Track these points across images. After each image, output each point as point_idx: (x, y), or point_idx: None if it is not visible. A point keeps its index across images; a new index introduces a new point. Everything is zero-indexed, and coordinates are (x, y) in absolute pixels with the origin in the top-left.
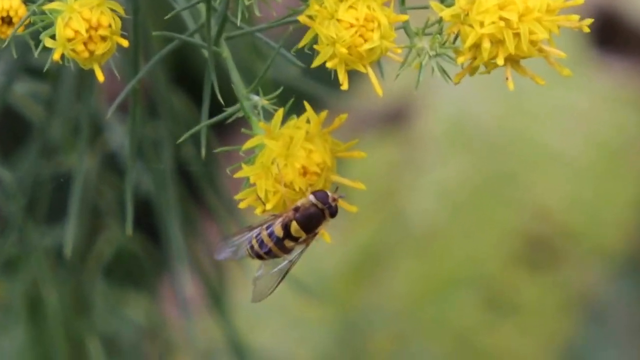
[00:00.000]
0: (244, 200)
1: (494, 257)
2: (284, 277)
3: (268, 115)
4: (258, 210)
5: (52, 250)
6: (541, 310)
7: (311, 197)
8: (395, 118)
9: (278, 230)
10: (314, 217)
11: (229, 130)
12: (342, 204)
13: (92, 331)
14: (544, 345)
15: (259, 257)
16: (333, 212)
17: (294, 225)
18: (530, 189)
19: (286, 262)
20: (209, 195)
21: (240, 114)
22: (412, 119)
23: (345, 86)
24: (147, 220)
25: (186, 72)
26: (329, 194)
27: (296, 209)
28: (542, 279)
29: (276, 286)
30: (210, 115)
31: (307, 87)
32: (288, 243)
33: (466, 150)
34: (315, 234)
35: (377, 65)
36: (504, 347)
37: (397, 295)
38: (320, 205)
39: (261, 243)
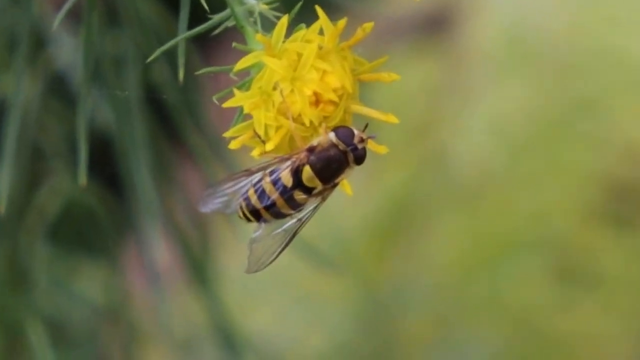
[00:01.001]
0: (236, 138)
1: (567, 213)
2: (290, 240)
3: (268, 25)
4: (255, 152)
5: None
6: (630, 282)
7: (331, 135)
8: (433, 26)
9: (286, 177)
10: (334, 162)
11: (215, 45)
12: (371, 145)
13: (33, 312)
14: (632, 326)
15: (256, 215)
16: (359, 157)
17: (307, 171)
18: (615, 121)
19: (294, 220)
20: (189, 132)
21: (230, 23)
22: (456, 28)
23: None
24: (106, 164)
25: None
26: (355, 131)
27: (310, 150)
28: (631, 240)
29: (280, 252)
30: (190, 25)
31: None
32: (298, 195)
33: (529, 70)
34: (335, 184)
35: None
36: (581, 332)
37: (439, 265)
38: (342, 146)
39: (261, 194)
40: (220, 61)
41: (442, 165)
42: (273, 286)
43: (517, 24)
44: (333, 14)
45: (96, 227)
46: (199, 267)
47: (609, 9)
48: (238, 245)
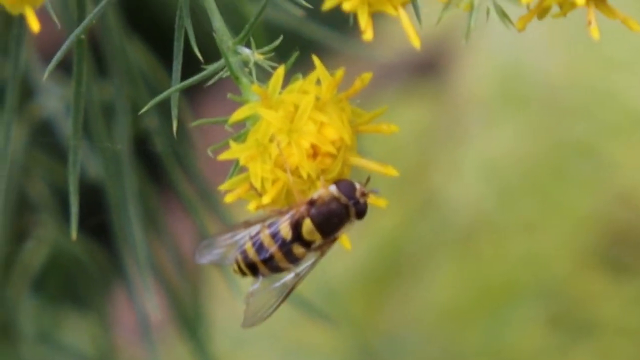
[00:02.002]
0: (231, 191)
1: (563, 257)
2: (288, 295)
3: (263, 75)
4: (252, 206)
5: None
6: (625, 329)
7: (333, 189)
8: (426, 69)
9: (285, 230)
10: (335, 215)
11: (208, 96)
12: (371, 198)
13: None
14: None
15: (253, 269)
16: (361, 211)
17: (308, 224)
18: (611, 164)
19: (291, 274)
20: (179, 183)
21: (224, 74)
22: (448, 71)
23: (369, 36)
24: (93, 214)
25: (148, 16)
26: (357, 185)
27: (311, 203)
28: (627, 286)
29: (277, 307)
30: (184, 76)
31: (314, 35)
32: (297, 249)
33: (522, 112)
34: (335, 238)
35: (411, 4)
36: None
37: (433, 312)
38: (344, 200)
39: (260, 247)
40: (209, 110)
41: (435, 209)
42: (264, 337)
43: (511, 65)
44: (325, 57)
45: (84, 278)
46: (189, 319)
47: (604, 50)
48: (229, 296)
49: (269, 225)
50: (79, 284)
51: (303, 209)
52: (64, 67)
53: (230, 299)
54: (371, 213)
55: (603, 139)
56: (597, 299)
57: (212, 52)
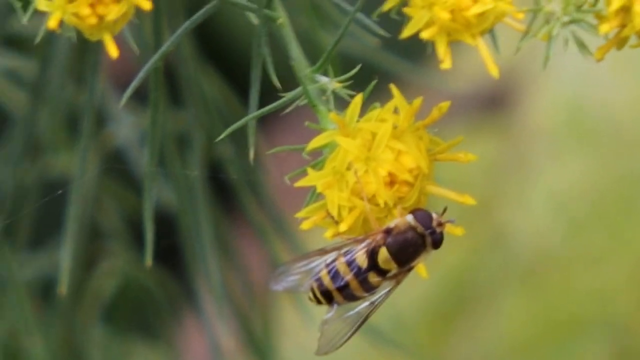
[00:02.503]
0: (308, 218)
1: (629, 291)
2: (362, 323)
3: (341, 104)
4: (329, 233)
5: (37, 284)
6: None
7: (409, 218)
8: (494, 102)
9: (361, 258)
10: (411, 245)
11: (280, 127)
12: (449, 229)
13: None
14: None
15: (328, 296)
16: (437, 241)
17: (384, 253)
18: None
19: (366, 303)
20: (253, 212)
21: (302, 102)
22: (515, 105)
23: (447, 65)
24: (165, 244)
25: (224, 46)
26: (434, 215)
27: (387, 232)
28: None
29: (351, 335)
30: (260, 105)
31: (388, 64)
32: (373, 277)
33: (590, 146)
34: (411, 268)
35: (489, 35)
36: None
37: (499, 345)
38: (420, 229)
39: (335, 275)
40: (282, 141)
41: (502, 243)
42: None
43: (577, 98)
44: (398, 87)
45: (153, 307)
46: (259, 347)
47: None
48: (296, 326)
49: (345, 254)
50: (149, 314)
51: (379, 237)
52: (137, 97)
53: (297, 330)
54: None
55: None
56: None
57: (286, 82)
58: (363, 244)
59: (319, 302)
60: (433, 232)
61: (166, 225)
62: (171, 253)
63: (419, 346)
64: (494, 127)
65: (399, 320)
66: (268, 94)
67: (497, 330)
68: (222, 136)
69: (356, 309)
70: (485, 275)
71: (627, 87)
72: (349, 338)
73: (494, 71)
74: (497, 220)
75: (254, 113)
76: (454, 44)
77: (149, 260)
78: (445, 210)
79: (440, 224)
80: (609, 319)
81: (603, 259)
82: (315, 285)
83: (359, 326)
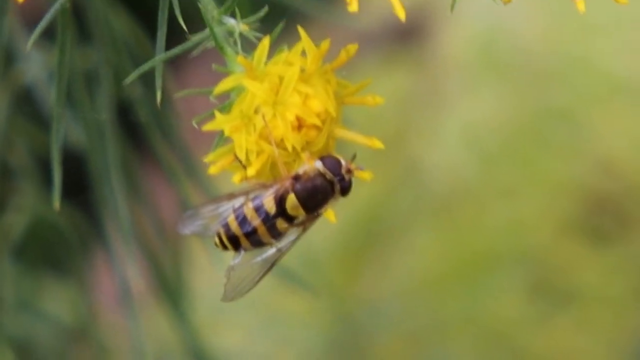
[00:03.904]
0: (215, 162)
1: (543, 225)
2: (269, 270)
3: (248, 46)
4: (236, 178)
5: None
6: (605, 297)
7: (318, 164)
8: (406, 36)
9: (269, 204)
10: (320, 191)
11: (192, 68)
12: (358, 174)
13: (0, 333)
14: (608, 343)
15: (235, 242)
16: (346, 188)
17: (292, 200)
18: (591, 131)
19: (273, 250)
20: (162, 154)
21: (209, 44)
22: (428, 38)
23: (354, 7)
24: (74, 182)
25: None
26: (342, 161)
27: (296, 178)
28: (606, 253)
29: (258, 281)
30: (168, 47)
31: (297, 4)
32: (281, 224)
33: (503, 79)
34: (318, 214)
35: None
36: (557, 348)
37: (412, 280)
38: (329, 176)
39: (242, 220)
40: (194, 82)
41: (415, 177)
42: (243, 305)
43: (491, 32)
44: (307, 26)
45: (64, 246)
46: (170, 286)
47: (584, 17)
48: (209, 265)
49: (253, 199)
50: (59, 252)
51: (288, 183)
52: (47, 35)
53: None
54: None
55: (583, 106)
56: (577, 267)
57: (197, 23)
58: (271, 190)
59: (225, 247)
60: (342, 179)
61: (76, 163)
62: (81, 191)
63: (331, 284)
64: (407, 60)
65: (311, 258)
66: (178, 36)
67: (410, 265)
68: (130, 78)
69: (263, 255)
70: (398, 210)
71: (541, 19)
72: (255, 284)
73: (400, 13)
74: (410, 154)
75: (161, 55)
76: None
77: (57, 202)
78: (354, 156)
79: (349, 171)
80: (523, 252)
81: (517, 192)
82: (222, 231)
83: (266, 273)
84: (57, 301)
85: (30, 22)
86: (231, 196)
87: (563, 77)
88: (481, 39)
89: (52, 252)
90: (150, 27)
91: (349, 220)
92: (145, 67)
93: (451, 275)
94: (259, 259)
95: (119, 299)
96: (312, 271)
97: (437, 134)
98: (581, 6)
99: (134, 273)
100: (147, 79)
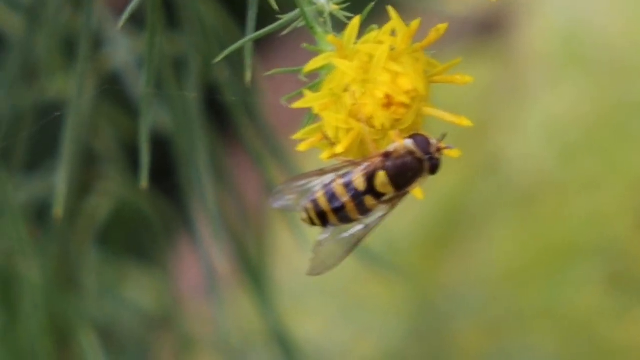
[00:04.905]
0: (304, 140)
1: (622, 219)
2: (355, 246)
3: (338, 26)
4: (325, 155)
5: (32, 208)
6: None
7: (408, 142)
8: (487, 29)
9: (359, 181)
10: (409, 169)
11: (278, 52)
12: (447, 152)
13: (84, 318)
14: None
15: (322, 218)
16: (435, 166)
17: (381, 177)
18: None
19: (361, 226)
20: (249, 135)
21: (299, 24)
22: (510, 31)
23: None
24: (159, 169)
25: None
26: (432, 140)
27: (386, 155)
28: None
29: (345, 256)
30: (258, 28)
31: None
32: (369, 200)
33: (585, 71)
34: (406, 192)
35: None
36: (636, 339)
37: (493, 270)
38: (419, 154)
39: (332, 196)
40: (280, 65)
41: (496, 168)
42: (323, 294)
43: (573, 25)
44: (397, 11)
45: (148, 231)
46: (254, 272)
47: None
48: (289, 251)
49: (343, 175)
50: (144, 238)
51: (378, 161)
52: (133, 20)
53: (290, 255)
54: None
55: None
56: None
57: (284, 5)
58: (362, 167)
59: (312, 223)
60: (431, 158)
61: (161, 150)
62: (166, 177)
63: (412, 272)
64: (489, 52)
65: (393, 244)
66: (266, 18)
67: (490, 255)
68: (219, 58)
69: (350, 232)
70: (479, 200)
71: (623, 13)
72: (342, 259)
73: None
74: (492, 146)
75: (251, 35)
76: None
77: (144, 181)
78: (444, 136)
79: (438, 150)
80: (603, 244)
81: (597, 185)
82: (310, 206)
83: (353, 248)
84: (140, 288)
85: (119, 8)
86: (321, 172)
87: None
88: (563, 33)
89: (137, 239)
90: (237, 12)
91: (430, 209)
92: (236, 46)
93: (531, 267)
94: (346, 234)
95: (204, 285)
96: (394, 259)
97: (518, 126)
98: None
99: (219, 258)
100: (234, 63)
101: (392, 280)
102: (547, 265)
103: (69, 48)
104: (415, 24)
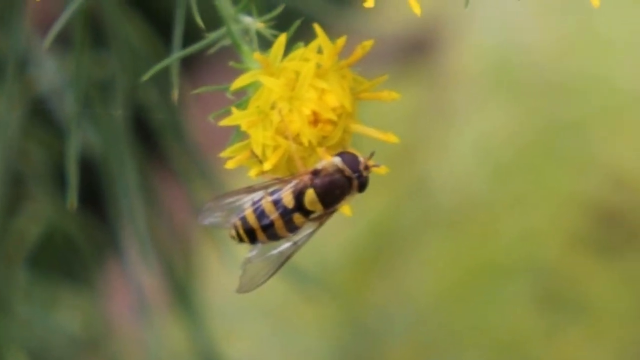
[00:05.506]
0: (232, 158)
1: (552, 237)
2: (284, 263)
3: (265, 44)
4: (252, 172)
5: None
6: (614, 309)
7: (337, 160)
8: (417, 49)
9: (288, 198)
10: (338, 187)
11: (206, 70)
12: (376, 170)
13: (12, 341)
14: (618, 355)
15: (251, 235)
16: (363, 184)
17: (311, 194)
18: (601, 145)
19: (289, 243)
20: (176, 155)
21: (225, 42)
22: (440, 50)
23: (370, 3)
24: (88, 192)
25: None
26: (360, 158)
27: (315, 173)
28: (616, 266)
29: (273, 273)
30: (183, 45)
31: (312, 6)
32: (298, 218)
33: (514, 93)
34: (334, 210)
35: None
36: (566, 359)
37: (422, 290)
38: (348, 172)
39: (261, 214)
40: (208, 82)
41: (426, 189)
42: (253, 314)
43: (501, 45)
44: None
45: (77, 253)
46: (183, 293)
47: (596, 30)
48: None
49: (272, 193)
50: (73, 261)
51: (306, 178)
52: (60, 41)
53: (220, 275)
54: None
55: (594, 119)
56: (586, 279)
57: (212, 24)
58: (290, 184)
59: (240, 240)
60: (360, 176)
61: (90, 171)
62: (95, 198)
63: (343, 293)
64: (418, 73)
65: (324, 265)
66: (192, 38)
67: (421, 276)
68: (146, 77)
69: (278, 249)
70: (409, 221)
71: (551, 33)
72: (270, 277)
73: (416, 9)
74: (422, 167)
75: (178, 53)
76: None
77: (72, 201)
78: (372, 154)
79: (367, 167)
80: (533, 263)
81: (527, 205)
82: (239, 223)
83: (281, 265)
84: (70, 311)
85: (46, 30)
86: (250, 190)
87: (574, 90)
88: (492, 53)
89: (66, 261)
90: (163, 32)
91: (361, 230)
92: (163, 64)
93: (462, 286)
94: (274, 252)
95: (134, 308)
96: (324, 279)
97: (448, 146)
98: (595, 1)
99: (148, 280)
100: (162, 84)
101: (323, 301)
102: (477, 284)
103: None
104: (341, 41)
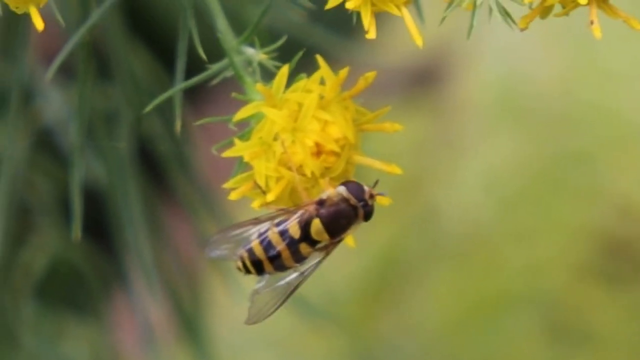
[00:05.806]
0: (235, 189)
1: (559, 268)
2: (292, 293)
3: (267, 75)
4: (256, 203)
5: None
6: (621, 340)
7: (341, 190)
8: (423, 80)
9: (294, 229)
10: (343, 216)
11: (210, 101)
12: (379, 200)
13: None
14: None
15: (258, 266)
16: (368, 213)
17: (317, 224)
18: (608, 176)
19: (296, 274)
20: (181, 186)
21: (228, 73)
22: (446, 81)
23: (372, 34)
24: (94, 223)
25: (151, 20)
26: (365, 187)
27: (320, 203)
28: (622, 297)
29: (281, 304)
30: (187, 77)
31: (316, 39)
32: (304, 248)
33: (521, 124)
34: (341, 239)
35: (414, 5)
36: None
37: (429, 320)
38: (353, 201)
39: (267, 245)
40: (212, 113)
41: (433, 220)
42: (260, 345)
43: (509, 76)
44: (327, 62)
45: (84, 284)
46: (190, 325)
47: (601, 61)
48: (225, 302)
49: (278, 224)
50: (80, 292)
51: (312, 208)
52: (65, 71)
53: (227, 306)
54: (369, 222)
55: (600, 150)
56: (593, 310)
57: (215, 56)
58: (296, 215)
59: (247, 271)
60: (365, 204)
61: (95, 202)
62: (101, 229)
63: (349, 325)
64: (424, 104)
65: (331, 296)
66: (195, 69)
67: (427, 306)
68: (149, 108)
69: (286, 279)
70: (416, 251)
71: (558, 63)
72: (278, 307)
73: (418, 40)
74: (428, 198)
75: (181, 84)
76: (384, 22)
77: (77, 233)
78: (377, 182)
79: (372, 196)
80: (539, 296)
81: (534, 236)
82: (245, 255)
83: (289, 296)
84: (77, 342)
85: (51, 61)
86: (256, 221)
87: (580, 121)
88: (498, 84)
89: (73, 293)
90: (167, 63)
91: (368, 261)
92: (165, 95)
93: (468, 317)
94: (282, 282)
95: (141, 339)
96: (331, 308)
97: (454, 177)
98: (597, 33)
99: (155, 311)
100: (166, 115)
101: (330, 332)
102: (483, 315)
103: (0, 100)
104: (343, 72)
